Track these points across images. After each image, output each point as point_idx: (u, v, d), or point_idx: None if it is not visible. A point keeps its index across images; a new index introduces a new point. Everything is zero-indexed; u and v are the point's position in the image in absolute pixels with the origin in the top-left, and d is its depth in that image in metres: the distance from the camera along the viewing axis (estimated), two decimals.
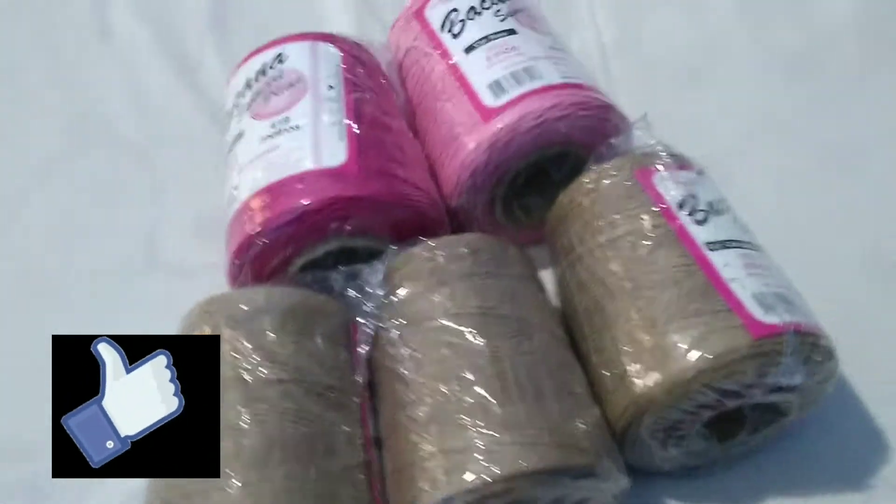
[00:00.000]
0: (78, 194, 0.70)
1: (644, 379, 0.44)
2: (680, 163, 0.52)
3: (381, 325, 0.48)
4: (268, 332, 0.45)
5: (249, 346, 0.44)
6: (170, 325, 0.48)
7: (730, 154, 0.64)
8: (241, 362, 0.44)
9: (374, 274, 0.49)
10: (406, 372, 0.45)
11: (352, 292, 0.49)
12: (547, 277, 0.55)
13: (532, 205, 0.60)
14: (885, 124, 0.70)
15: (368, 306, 0.49)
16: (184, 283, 0.57)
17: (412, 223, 0.52)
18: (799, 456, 0.52)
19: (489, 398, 0.42)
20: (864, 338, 0.55)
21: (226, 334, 0.45)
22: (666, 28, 0.79)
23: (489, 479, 0.39)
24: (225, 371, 0.43)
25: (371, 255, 0.51)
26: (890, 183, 0.66)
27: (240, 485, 0.39)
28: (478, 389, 0.42)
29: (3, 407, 0.56)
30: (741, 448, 0.50)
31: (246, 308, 0.46)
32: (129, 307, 0.61)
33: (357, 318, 0.49)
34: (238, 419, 0.42)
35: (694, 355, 0.42)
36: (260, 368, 0.44)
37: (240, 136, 0.55)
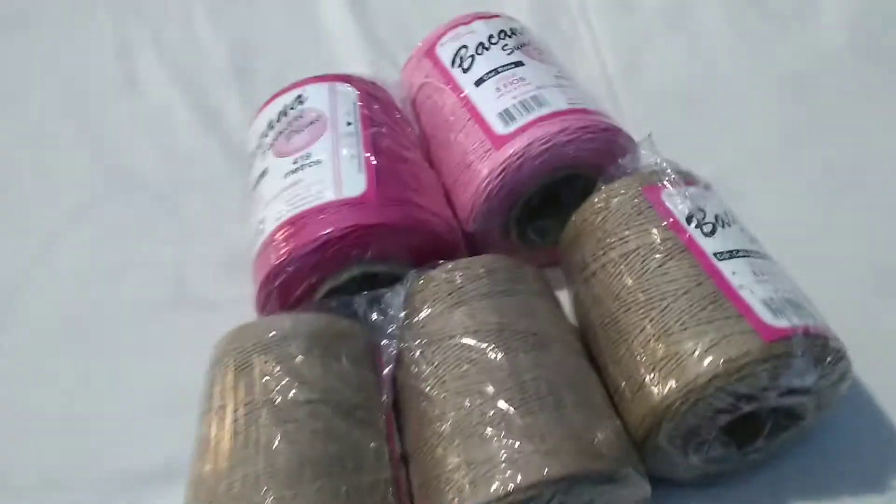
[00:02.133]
0: (107, 237, 0.72)
1: (660, 387, 0.45)
2: (686, 179, 0.54)
3: (403, 345, 0.50)
4: (295, 356, 0.47)
5: (279, 369, 0.46)
6: (200, 358, 0.50)
7: (733, 172, 0.66)
8: (272, 384, 0.46)
9: (395, 297, 0.51)
10: (429, 389, 0.47)
11: (375, 315, 0.51)
12: (563, 298, 0.56)
13: (546, 227, 0.61)
14: (882, 141, 0.72)
15: (391, 328, 0.51)
16: (212, 316, 0.58)
17: (430, 248, 0.54)
18: (818, 461, 0.52)
19: (510, 410, 0.43)
20: (875, 344, 0.56)
21: (256, 359, 0.47)
22: (667, 56, 0.82)
23: (513, 487, 0.40)
24: (256, 394, 0.46)
25: (392, 280, 0.53)
26: (889, 197, 0.68)
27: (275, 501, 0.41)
28: (499, 402, 0.44)
29: (36, 441, 0.59)
30: (760, 455, 0.51)
31: (274, 334, 0.48)
32: (160, 340, 0.63)
33: (381, 341, 0.51)
34: (271, 440, 0.43)
35: (707, 360, 0.44)
36: (289, 390, 0.46)
37: (264, 173, 0.58)
